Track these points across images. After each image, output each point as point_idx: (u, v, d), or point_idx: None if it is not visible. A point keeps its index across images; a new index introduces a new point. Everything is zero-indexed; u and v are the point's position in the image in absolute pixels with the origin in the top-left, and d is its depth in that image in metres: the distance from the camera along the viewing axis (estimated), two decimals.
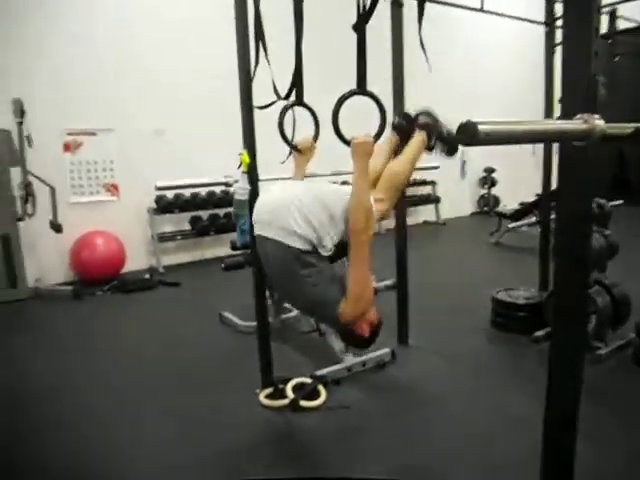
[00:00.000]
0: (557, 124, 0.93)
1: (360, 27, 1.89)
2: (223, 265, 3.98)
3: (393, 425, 2.47)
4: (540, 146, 9.99)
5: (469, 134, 0.83)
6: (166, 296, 4.94)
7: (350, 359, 3.01)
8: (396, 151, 2.31)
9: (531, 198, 7.87)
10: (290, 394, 2.64)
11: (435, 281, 4.86)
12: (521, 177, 9.90)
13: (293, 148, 2.17)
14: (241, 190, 2.56)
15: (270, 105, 2.26)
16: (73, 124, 5.32)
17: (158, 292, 5.05)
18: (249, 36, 2.42)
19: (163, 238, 5.97)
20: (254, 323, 3.71)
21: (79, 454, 2.31)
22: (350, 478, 1.98)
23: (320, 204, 1.89)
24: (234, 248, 3.88)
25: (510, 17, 3.82)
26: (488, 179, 9.57)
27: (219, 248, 6.42)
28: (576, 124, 0.98)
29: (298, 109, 2.26)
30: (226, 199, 6.29)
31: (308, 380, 2.76)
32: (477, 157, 9.29)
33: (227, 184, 2.64)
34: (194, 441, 2.38)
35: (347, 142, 1.91)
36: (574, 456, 1.31)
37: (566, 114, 1.09)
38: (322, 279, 1.86)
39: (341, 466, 2.16)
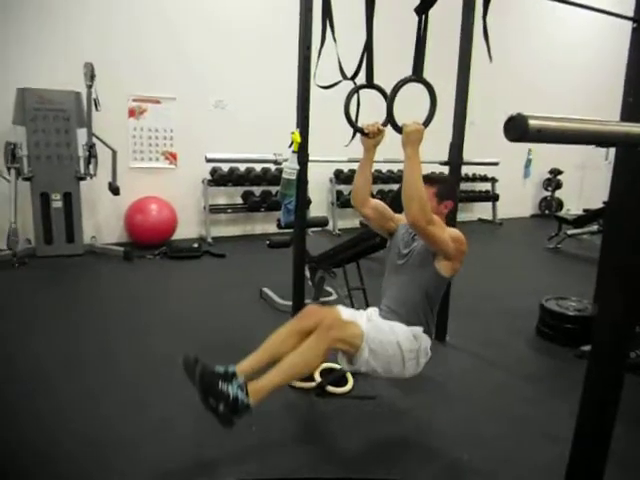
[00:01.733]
0: (621, 126, 0.83)
1: (422, 10, 1.80)
2: (268, 242, 4.00)
3: (416, 420, 2.43)
4: (613, 150, 9.45)
5: (519, 129, 0.76)
6: (211, 266, 5.05)
7: None
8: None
9: (598, 205, 7.47)
10: (317, 378, 2.63)
11: (483, 282, 4.71)
12: (589, 183, 9.39)
13: (360, 132, 2.08)
14: (289, 169, 2.54)
15: (334, 85, 2.20)
16: (139, 91, 5.48)
17: (204, 261, 5.17)
18: (312, 10, 2.37)
19: (215, 210, 6.08)
20: (290, 302, 3.78)
21: (111, 423, 2.40)
22: (350, 478, 1.95)
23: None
24: (279, 226, 3.88)
25: (590, 8, 3.55)
26: (553, 181, 9.13)
27: (268, 225, 6.50)
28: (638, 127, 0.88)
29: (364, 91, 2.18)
30: (279, 177, 6.29)
31: (336, 366, 2.74)
32: (544, 156, 8.85)
33: (276, 162, 2.62)
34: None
35: (399, 129, 1.84)
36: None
37: (632, 116, 0.98)
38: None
39: (355, 455, 2.14)
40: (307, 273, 3.98)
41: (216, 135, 5.78)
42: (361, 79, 2.15)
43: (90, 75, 4.64)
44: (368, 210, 2.17)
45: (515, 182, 8.95)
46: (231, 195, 6.32)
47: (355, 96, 2.13)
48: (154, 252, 5.14)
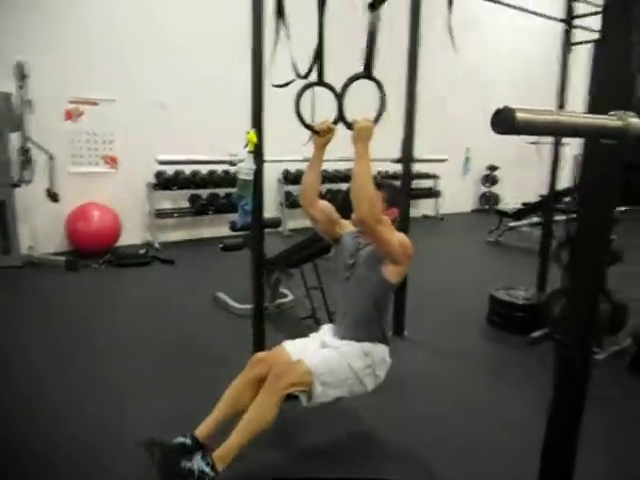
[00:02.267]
0: (597, 118, 0.87)
1: (375, 6, 1.81)
2: (221, 245, 3.93)
3: (380, 416, 2.45)
4: (545, 146, 9.90)
5: (505, 122, 0.78)
6: (160, 273, 4.89)
7: None
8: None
9: (532, 198, 7.86)
10: None
11: (431, 276, 4.82)
12: (523, 177, 9.87)
13: (311, 130, 2.07)
14: (246, 170, 2.49)
15: (288, 84, 2.17)
16: (75, 92, 5.21)
17: (152, 268, 5.00)
18: (262, 6, 2.34)
19: (160, 214, 5.90)
20: (248, 306, 3.71)
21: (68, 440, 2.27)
22: (350, 478, 1.95)
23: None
24: (233, 229, 3.81)
25: (525, 11, 3.72)
26: (490, 177, 9.53)
27: (216, 228, 6.37)
28: (612, 120, 0.92)
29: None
30: (227, 179, 6.23)
31: None
32: (481, 153, 9.21)
33: (231, 163, 2.56)
34: (187, 422, 2.34)
35: (350, 126, 1.85)
36: (574, 461, 1.28)
37: (596, 110, 1.03)
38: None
39: (323, 454, 2.14)
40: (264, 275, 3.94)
41: (160, 137, 5.59)
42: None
43: (21, 75, 4.37)
44: (316, 211, 2.13)
45: (455, 179, 9.27)
46: (177, 199, 6.14)
47: (310, 94, 2.12)
48: (99, 260, 4.91)
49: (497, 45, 9.16)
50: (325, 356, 1.98)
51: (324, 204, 2.16)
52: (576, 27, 3.95)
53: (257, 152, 2.49)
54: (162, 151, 5.46)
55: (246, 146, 2.50)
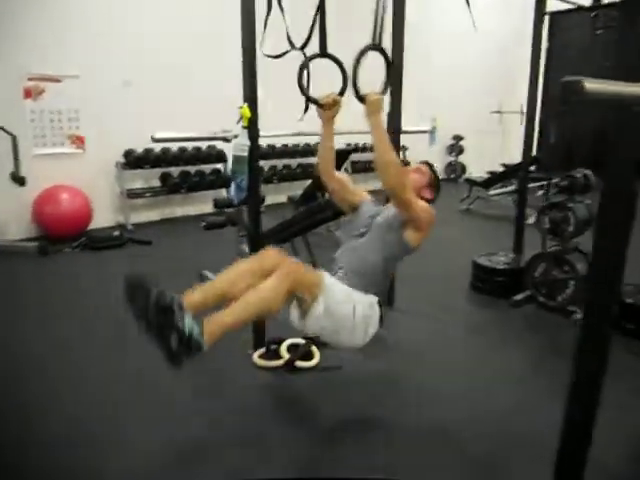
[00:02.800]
0: None
1: None
2: (204, 224, 3.86)
3: (381, 384, 2.53)
4: (508, 115, 10.09)
5: (574, 92, 0.80)
6: (138, 255, 4.76)
7: None
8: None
9: (496, 167, 8.05)
10: (285, 354, 2.63)
11: None
12: (486, 146, 10.08)
13: (315, 104, 2.04)
14: (241, 146, 2.45)
15: (283, 55, 2.14)
16: (34, 68, 4.92)
17: (129, 250, 4.87)
18: None
19: (132, 194, 5.72)
20: None
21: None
22: (350, 478, 1.99)
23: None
24: (217, 206, 3.76)
25: None
26: (456, 147, 9.68)
27: (189, 206, 6.26)
28: None
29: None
30: (198, 156, 6.10)
31: (301, 341, 2.75)
32: (445, 124, 9.32)
33: (225, 139, 2.51)
34: (189, 406, 2.34)
35: (362, 99, 1.85)
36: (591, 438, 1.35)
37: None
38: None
39: (340, 425, 2.20)
40: (248, 250, 3.92)
41: (128, 115, 5.40)
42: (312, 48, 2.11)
43: None
44: (334, 183, 2.16)
45: (422, 149, 9.35)
46: (147, 178, 5.97)
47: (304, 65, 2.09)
48: (72, 244, 4.75)
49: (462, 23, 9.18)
50: (339, 287, 1.93)
51: (341, 176, 2.20)
52: None
53: (251, 127, 2.45)
54: (131, 129, 5.35)
55: (239, 121, 2.46)
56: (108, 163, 5.53)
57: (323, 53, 2.07)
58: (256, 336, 2.77)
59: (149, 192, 5.88)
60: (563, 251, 3.31)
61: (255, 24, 2.33)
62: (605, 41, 5.02)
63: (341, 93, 1.99)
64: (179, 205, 6.26)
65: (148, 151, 5.72)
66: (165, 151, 5.88)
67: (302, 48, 2.12)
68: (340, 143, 6.29)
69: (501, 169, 7.57)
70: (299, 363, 2.59)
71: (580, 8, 4.64)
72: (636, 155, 1.13)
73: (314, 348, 2.71)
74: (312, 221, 3.15)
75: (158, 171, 5.94)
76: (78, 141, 5.34)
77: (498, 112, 10.38)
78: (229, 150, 5.91)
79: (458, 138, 9.64)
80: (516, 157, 8.32)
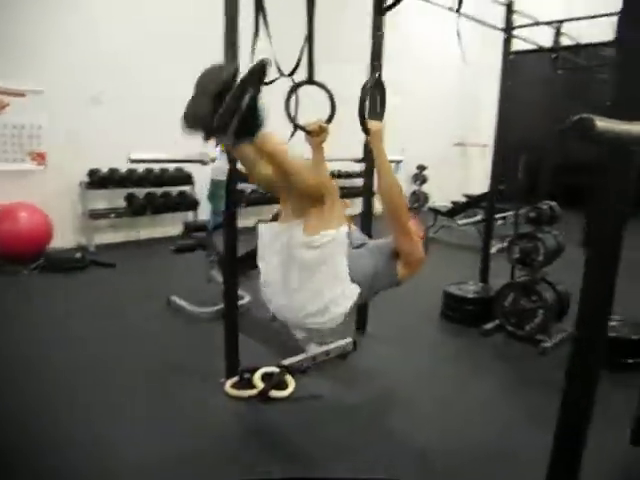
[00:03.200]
0: None
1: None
2: (173, 247, 3.76)
3: (359, 415, 2.48)
4: (470, 148, 10.38)
5: (586, 129, 0.81)
6: (101, 278, 4.58)
7: (314, 348, 2.96)
8: None
9: (458, 197, 8.27)
10: (259, 384, 2.55)
11: None
12: (448, 177, 10.37)
13: (303, 130, 2.04)
14: (219, 170, 2.41)
15: (271, 82, 2.12)
16: None
17: (92, 273, 4.68)
18: None
19: (95, 215, 5.54)
20: (209, 309, 3.60)
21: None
22: (350, 478, 1.95)
23: (320, 283, 1.85)
24: (188, 229, 3.68)
25: (468, 17, 3.88)
26: (420, 176, 9.90)
27: (154, 229, 6.11)
28: None
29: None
30: (164, 177, 6.01)
31: (275, 369, 2.68)
32: (411, 153, 9.54)
33: (203, 162, 2.46)
34: (156, 437, 2.22)
35: (367, 130, 1.87)
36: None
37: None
38: (369, 283, 1.93)
39: (317, 458, 2.13)
40: (218, 276, 3.83)
41: (95, 132, 5.26)
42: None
43: None
44: None
45: None
46: (111, 198, 5.79)
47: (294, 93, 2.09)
48: (30, 266, 4.52)
49: (430, 56, 9.53)
50: (352, 250, 1.92)
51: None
52: (515, 37, 4.21)
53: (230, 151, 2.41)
54: (97, 147, 5.21)
55: (217, 145, 2.42)
56: (71, 182, 5.35)
57: (311, 80, 2.08)
58: (229, 364, 2.68)
59: (113, 213, 5.70)
60: (532, 281, 3.39)
61: (237, 49, 2.32)
62: (565, 79, 5.30)
63: (328, 120, 1.99)
64: (144, 227, 6.09)
65: (113, 171, 5.58)
66: (131, 171, 5.74)
67: (291, 75, 2.12)
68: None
69: (464, 199, 7.78)
70: (273, 393, 2.52)
71: (541, 49, 4.89)
72: (628, 191, 1.17)
73: (288, 377, 2.65)
74: None
75: (123, 191, 5.78)
76: (39, 158, 5.15)
77: (461, 144, 10.74)
78: (198, 173, 5.91)
79: (422, 168, 9.87)
80: (477, 188, 8.63)
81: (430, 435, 2.31)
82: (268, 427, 2.37)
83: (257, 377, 2.59)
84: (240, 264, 3.39)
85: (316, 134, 1.98)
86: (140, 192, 5.89)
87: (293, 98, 2.04)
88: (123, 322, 3.50)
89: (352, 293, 1.88)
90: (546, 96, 5.35)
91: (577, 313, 1.33)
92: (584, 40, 5.33)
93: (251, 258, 3.34)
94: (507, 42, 4.19)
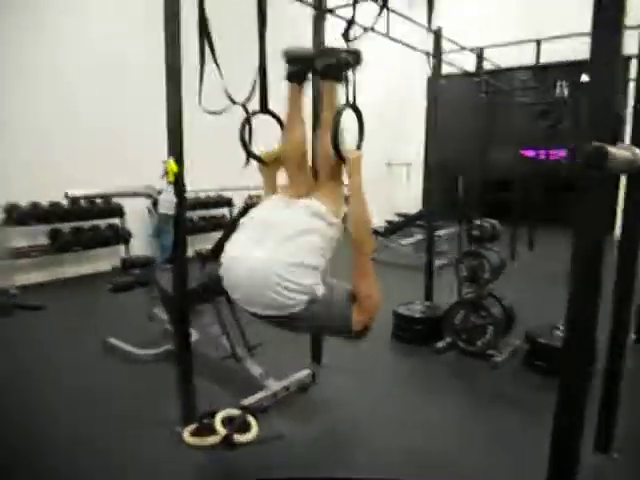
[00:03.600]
0: None
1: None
2: (111, 286, 3.49)
3: (323, 449, 2.40)
4: (398, 167, 10.65)
5: (601, 156, 0.80)
6: (28, 322, 4.16)
7: (273, 384, 2.84)
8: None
9: (390, 216, 8.43)
10: (221, 429, 2.38)
11: None
12: (377, 196, 10.60)
13: (258, 160, 1.99)
14: (167, 203, 2.26)
15: (223, 111, 2.04)
16: None
17: (17, 318, 4.24)
18: (178, 16, 2.15)
19: (15, 254, 5.06)
20: (152, 351, 3.36)
21: None
22: (350, 478, 1.89)
23: (303, 252, 1.73)
24: (125, 266, 3.44)
25: (398, 42, 4.01)
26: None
27: (81, 266, 5.70)
28: None
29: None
30: (92, 210, 5.64)
31: (236, 411, 2.52)
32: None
33: (150, 196, 2.30)
34: None
35: (343, 159, 1.80)
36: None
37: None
38: (323, 308, 1.77)
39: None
40: (160, 314, 3.61)
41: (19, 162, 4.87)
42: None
43: None
44: None
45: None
46: (33, 235, 5.34)
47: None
48: None
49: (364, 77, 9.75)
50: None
51: None
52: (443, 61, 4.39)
53: (178, 182, 2.28)
54: (12, 180, 4.81)
55: (164, 176, 2.28)
56: None
57: (264, 109, 2.03)
58: (185, 409, 2.49)
59: (35, 251, 5.25)
60: (480, 297, 3.47)
61: (181, 73, 2.21)
62: (488, 102, 5.60)
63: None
64: (71, 264, 5.66)
65: (35, 205, 5.16)
66: (54, 204, 5.34)
67: (244, 105, 2.06)
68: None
69: (397, 218, 7.96)
70: (236, 437, 2.36)
71: (467, 74, 5.15)
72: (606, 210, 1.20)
73: (250, 418, 2.50)
74: None
75: (45, 228, 5.35)
76: None
77: (389, 164, 11.04)
78: (131, 204, 5.61)
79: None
80: (404, 207, 8.85)
81: (392, 458, 2.30)
82: (235, 477, 2.21)
83: (218, 422, 2.42)
84: (192, 298, 3.22)
85: (270, 164, 1.97)
86: (65, 227, 5.48)
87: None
88: (57, 368, 3.20)
89: (317, 286, 1.75)
90: (471, 118, 5.63)
91: (565, 325, 1.35)
92: (504, 65, 5.71)
93: (200, 293, 3.19)
94: (436, 67, 4.35)
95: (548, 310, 3.97)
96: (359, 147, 1.90)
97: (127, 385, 3.03)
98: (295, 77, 1.93)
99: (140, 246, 5.56)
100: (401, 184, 10.89)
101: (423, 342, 3.64)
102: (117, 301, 3.95)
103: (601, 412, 2.36)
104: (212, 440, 2.34)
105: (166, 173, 2.26)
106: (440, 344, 3.56)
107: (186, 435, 2.39)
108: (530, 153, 7.65)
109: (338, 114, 1.79)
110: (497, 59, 5.36)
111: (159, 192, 2.31)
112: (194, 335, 3.55)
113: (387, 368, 3.42)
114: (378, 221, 8.25)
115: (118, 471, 2.19)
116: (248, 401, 2.64)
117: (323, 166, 1.94)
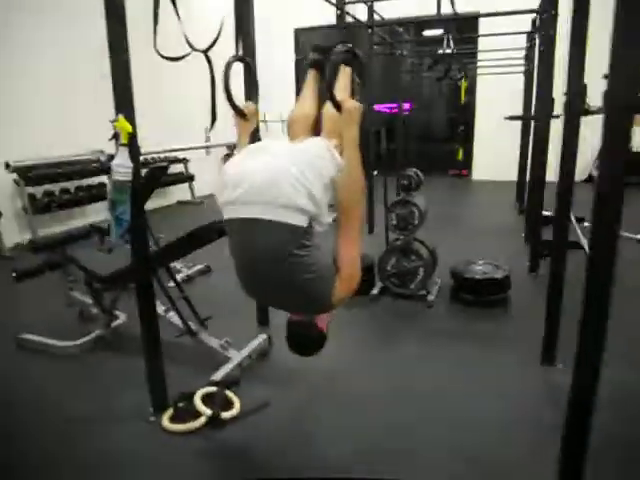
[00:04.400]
0: None
1: None
2: (14, 274, 2.97)
3: (315, 407, 2.41)
4: (271, 124, 10.42)
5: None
6: None
7: (236, 354, 2.71)
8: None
9: None
10: (205, 409, 2.22)
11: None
12: None
13: (239, 113, 1.79)
14: (122, 169, 1.95)
15: (183, 57, 1.79)
16: None
17: None
18: None
19: None
20: (78, 341, 2.96)
21: None
22: (351, 478, 1.85)
23: (315, 171, 1.59)
24: (34, 249, 2.94)
25: None
26: (231, 156, 9.68)
27: None
28: None
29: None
30: None
31: (212, 388, 2.37)
32: (219, 131, 9.26)
33: (98, 161, 1.91)
34: None
35: (338, 107, 1.65)
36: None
37: None
38: (319, 256, 1.55)
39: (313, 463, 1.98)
40: (83, 298, 3.20)
41: None
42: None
43: None
44: None
45: (201, 160, 9.09)
46: None
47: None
48: None
49: None
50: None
51: None
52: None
53: (132, 144, 1.98)
54: None
55: (113, 138, 1.96)
56: None
57: (241, 57, 1.83)
58: (156, 395, 2.27)
59: None
60: (409, 243, 3.64)
61: (125, 12, 1.88)
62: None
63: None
64: None
65: None
66: None
67: (206, 51, 1.83)
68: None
69: None
70: (224, 415, 2.23)
71: (359, 24, 5.16)
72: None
73: (228, 392, 2.38)
74: (198, 243, 2.71)
75: None
76: None
77: (264, 121, 10.80)
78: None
79: (234, 146, 9.66)
80: None
81: (378, 399, 2.42)
82: (240, 454, 2.09)
83: (198, 402, 2.25)
84: (120, 279, 2.89)
85: (249, 117, 1.85)
86: None
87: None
88: None
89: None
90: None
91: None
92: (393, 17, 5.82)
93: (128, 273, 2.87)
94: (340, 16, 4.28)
95: (449, 247, 4.35)
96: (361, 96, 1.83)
97: (67, 384, 2.65)
98: (316, 64, 2.01)
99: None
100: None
101: (358, 292, 3.72)
102: (25, 288, 3.38)
103: (546, 327, 2.68)
104: (199, 422, 2.18)
105: (116, 134, 1.94)
106: (374, 291, 3.70)
107: (166, 423, 2.20)
108: (382, 107, 8.12)
109: (335, 65, 1.70)
110: (388, 12, 5.46)
111: (110, 157, 1.98)
112: (122, 316, 3.24)
113: (333, 322, 3.45)
114: None
115: (105, 473, 1.95)
116: (218, 376, 2.49)
117: (326, 125, 1.84)
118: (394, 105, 7.26)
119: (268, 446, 2.12)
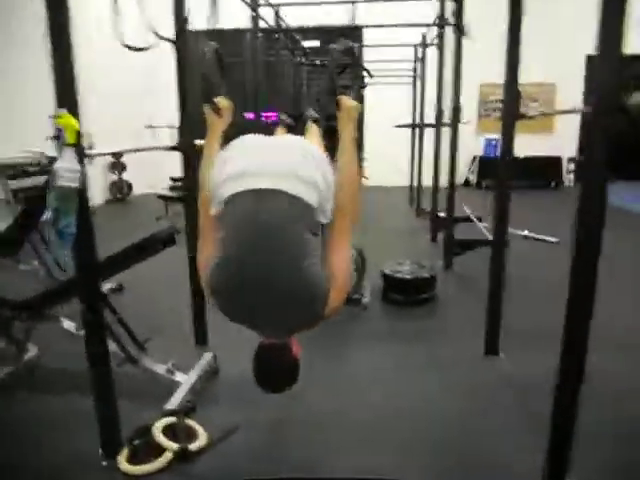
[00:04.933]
0: None
1: None
2: None
3: (286, 420, 2.29)
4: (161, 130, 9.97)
5: None
6: None
7: (185, 377, 2.46)
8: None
9: (166, 182, 7.96)
10: (170, 444, 1.97)
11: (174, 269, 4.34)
12: (146, 161, 9.73)
13: (215, 110, 1.62)
14: (68, 173, 1.66)
15: (149, 48, 1.58)
16: None
17: None
18: None
19: None
20: None
21: None
22: (351, 478, 1.81)
23: (316, 154, 1.50)
24: None
25: None
26: (118, 164, 8.97)
27: None
28: None
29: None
30: None
31: (170, 419, 2.12)
32: (102, 140, 8.52)
33: (39, 164, 1.56)
34: None
35: (338, 105, 1.56)
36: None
37: None
38: (318, 256, 1.42)
39: None
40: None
41: None
42: None
43: None
44: None
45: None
46: None
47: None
48: None
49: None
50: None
51: None
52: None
53: (79, 144, 1.70)
54: None
55: (56, 137, 1.67)
56: None
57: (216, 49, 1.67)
58: (107, 434, 1.96)
59: None
60: None
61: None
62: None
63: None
64: None
65: None
66: None
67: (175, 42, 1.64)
68: None
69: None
70: (191, 447, 1.99)
71: (265, 30, 5.09)
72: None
73: (189, 421, 2.14)
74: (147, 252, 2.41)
75: None
76: None
77: (150, 127, 10.15)
78: None
79: (118, 155, 8.95)
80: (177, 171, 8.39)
81: (352, 410, 2.35)
82: None
83: (160, 436, 1.99)
84: (34, 307, 2.49)
85: (223, 113, 1.74)
86: None
87: None
88: None
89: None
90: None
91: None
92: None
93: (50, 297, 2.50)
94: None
95: (373, 247, 4.43)
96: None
97: None
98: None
99: None
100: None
101: None
102: None
103: (488, 320, 2.83)
104: (166, 458, 1.92)
105: (58, 134, 1.65)
106: None
107: (125, 465, 1.91)
108: (251, 115, 8.21)
109: (334, 60, 1.62)
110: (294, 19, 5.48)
111: (50, 160, 1.66)
112: (33, 349, 2.80)
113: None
114: (159, 187, 7.69)
115: None
116: (172, 404, 2.24)
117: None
118: (272, 114, 7.22)
119: (249, 473, 1.93)
